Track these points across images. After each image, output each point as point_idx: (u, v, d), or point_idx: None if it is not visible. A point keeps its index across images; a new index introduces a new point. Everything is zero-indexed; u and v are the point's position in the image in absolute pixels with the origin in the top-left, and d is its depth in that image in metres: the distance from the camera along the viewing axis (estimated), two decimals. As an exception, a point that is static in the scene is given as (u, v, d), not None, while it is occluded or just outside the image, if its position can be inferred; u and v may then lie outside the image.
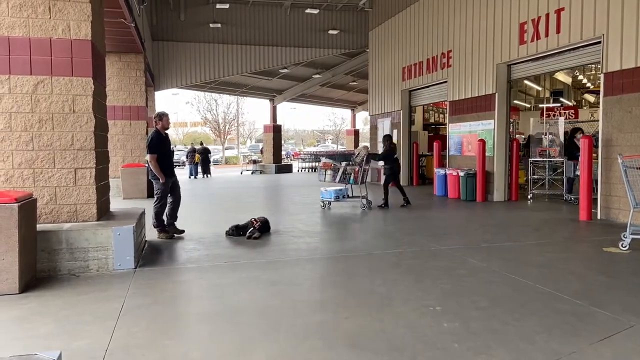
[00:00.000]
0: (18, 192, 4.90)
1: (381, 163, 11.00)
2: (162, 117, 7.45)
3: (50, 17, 5.52)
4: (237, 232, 7.41)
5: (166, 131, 7.53)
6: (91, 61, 5.68)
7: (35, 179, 5.54)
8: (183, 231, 7.55)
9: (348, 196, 10.95)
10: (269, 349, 3.36)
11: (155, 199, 7.36)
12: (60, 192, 5.63)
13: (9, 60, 5.42)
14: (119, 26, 10.75)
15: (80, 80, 5.64)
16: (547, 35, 9.98)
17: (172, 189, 7.51)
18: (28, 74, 5.48)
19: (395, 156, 10.88)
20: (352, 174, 10.26)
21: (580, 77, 21.14)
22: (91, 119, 5.69)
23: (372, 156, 10.84)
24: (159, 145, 7.26)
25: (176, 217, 7.58)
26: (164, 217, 7.45)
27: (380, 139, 17.73)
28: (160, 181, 7.27)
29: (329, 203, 10.72)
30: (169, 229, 7.42)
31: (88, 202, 5.72)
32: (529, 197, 11.35)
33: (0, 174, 5.43)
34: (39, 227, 5.24)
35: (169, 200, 7.49)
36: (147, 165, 7.91)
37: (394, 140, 16.35)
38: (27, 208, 4.84)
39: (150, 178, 7.59)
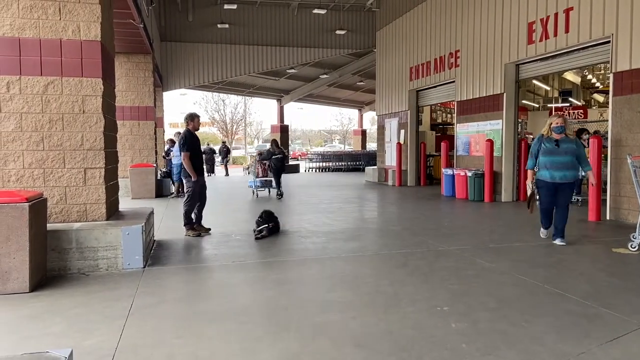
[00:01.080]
0: (29, 192, 4.94)
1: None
2: (194, 118, 7.64)
3: (60, 19, 5.57)
4: (268, 230, 7.41)
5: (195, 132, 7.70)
6: (101, 62, 5.73)
7: (46, 178, 5.59)
8: (209, 229, 7.68)
9: (258, 187, 13.78)
10: (276, 349, 3.38)
11: (186, 197, 7.56)
12: (70, 192, 5.68)
13: (20, 61, 5.48)
14: (127, 27, 10.82)
15: (90, 80, 5.68)
16: (555, 34, 9.93)
17: (203, 190, 7.71)
18: (38, 75, 5.53)
19: (277, 156, 13.34)
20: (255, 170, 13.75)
21: (590, 76, 20.99)
22: (100, 119, 5.74)
23: (259, 156, 13.92)
24: (191, 144, 7.43)
25: (201, 216, 7.71)
26: (193, 215, 7.60)
27: (387, 139, 17.73)
28: (192, 179, 7.42)
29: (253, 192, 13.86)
30: (197, 227, 7.54)
31: (97, 201, 5.77)
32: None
33: (11, 173, 5.49)
34: (49, 226, 5.29)
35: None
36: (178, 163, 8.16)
37: (401, 140, 16.37)
38: (38, 208, 4.88)
39: (182, 176, 7.78)
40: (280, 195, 13.12)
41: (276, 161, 13.33)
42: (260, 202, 12.37)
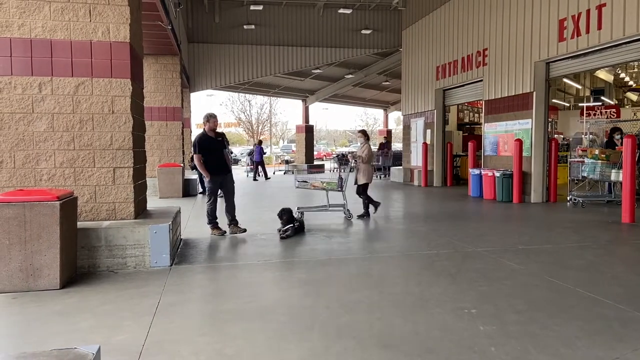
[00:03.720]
0: (60, 191, 5.05)
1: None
2: (210, 118, 7.71)
3: (90, 20, 5.68)
4: (293, 230, 7.47)
5: (216, 130, 7.80)
6: (129, 63, 5.81)
7: (76, 177, 5.70)
8: (245, 230, 7.70)
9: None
10: (301, 348, 3.36)
11: (207, 197, 7.71)
12: (100, 191, 5.78)
13: (52, 62, 5.60)
14: (156, 29, 10.98)
15: (119, 81, 5.77)
16: (587, 32, 9.68)
17: (224, 186, 7.77)
18: (69, 76, 5.64)
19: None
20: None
21: (623, 74, 20.43)
22: (129, 120, 5.82)
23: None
24: (203, 146, 7.56)
25: (233, 217, 7.77)
26: (217, 214, 7.70)
27: (413, 139, 17.58)
28: (206, 179, 7.60)
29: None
30: (232, 228, 7.68)
31: (126, 200, 5.86)
32: (568, 198, 11.02)
33: (43, 172, 5.61)
34: (79, 224, 5.40)
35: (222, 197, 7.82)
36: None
37: (427, 140, 16.22)
38: (68, 206, 4.98)
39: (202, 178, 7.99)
40: (254, 179, 20.34)
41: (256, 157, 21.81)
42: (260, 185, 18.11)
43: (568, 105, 21.71)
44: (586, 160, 10.19)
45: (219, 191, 7.77)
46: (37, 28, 5.54)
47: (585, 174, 10.23)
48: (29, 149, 5.56)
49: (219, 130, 7.98)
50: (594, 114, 16.31)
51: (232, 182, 7.87)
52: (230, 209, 7.74)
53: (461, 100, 15.89)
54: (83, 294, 4.65)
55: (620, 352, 3.23)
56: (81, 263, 5.33)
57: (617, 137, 10.90)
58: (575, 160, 10.72)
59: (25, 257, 4.67)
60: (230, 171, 7.84)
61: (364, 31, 20.19)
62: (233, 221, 7.73)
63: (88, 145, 5.71)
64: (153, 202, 8.86)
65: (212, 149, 7.62)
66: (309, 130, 29.29)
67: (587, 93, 20.81)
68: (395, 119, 53.96)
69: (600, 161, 9.89)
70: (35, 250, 4.68)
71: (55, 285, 4.73)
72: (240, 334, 3.64)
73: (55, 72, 5.60)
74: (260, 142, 22.55)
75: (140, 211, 6.29)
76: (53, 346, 3.12)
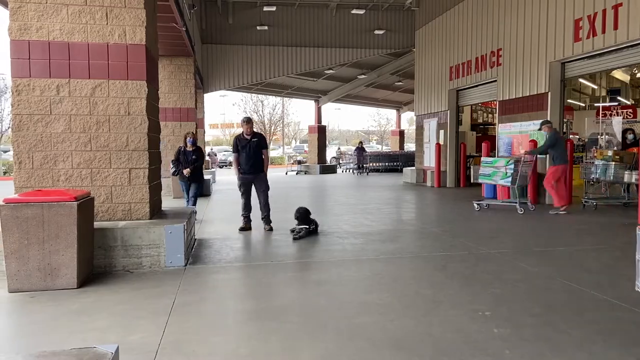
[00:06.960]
0: (77, 191, 5.12)
1: None
2: (242, 123, 8.28)
3: (107, 23, 5.75)
4: (306, 231, 7.54)
5: (253, 131, 8.21)
6: (145, 65, 5.87)
7: (93, 178, 5.78)
8: (271, 229, 8.05)
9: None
10: (315, 349, 3.38)
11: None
12: (116, 191, 5.85)
13: (69, 64, 5.67)
14: (170, 30, 11.06)
15: (135, 83, 5.84)
16: (603, 32, 9.57)
17: (255, 186, 8.20)
18: (86, 78, 5.72)
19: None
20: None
21: (639, 74, 20.13)
22: (145, 121, 5.89)
23: None
24: (237, 146, 8.07)
25: (265, 215, 8.16)
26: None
27: (426, 139, 17.51)
28: (236, 176, 8.17)
29: None
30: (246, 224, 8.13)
31: (141, 201, 5.92)
32: (583, 200, 10.89)
33: (60, 173, 5.69)
34: (96, 224, 5.47)
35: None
36: None
37: (440, 140, 16.14)
38: (85, 206, 5.05)
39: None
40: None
41: None
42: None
43: (584, 105, 21.46)
44: (596, 162, 10.07)
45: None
46: (54, 31, 5.62)
47: (597, 176, 10.10)
48: (47, 150, 5.65)
49: (230, 130, 8.20)
50: (610, 114, 16.10)
51: (263, 182, 8.15)
52: (262, 207, 8.12)
53: (475, 100, 15.80)
54: (99, 293, 4.71)
55: (637, 356, 3.19)
56: (97, 263, 5.40)
57: (630, 137, 10.75)
58: (586, 162, 10.59)
59: (43, 256, 4.75)
60: (260, 171, 8.12)
61: (376, 31, 20.15)
62: (264, 219, 8.14)
63: (105, 147, 5.79)
64: (167, 202, 8.94)
65: (241, 149, 8.03)
66: (321, 131, 29.27)
67: (603, 93, 20.57)
68: (408, 119, 53.79)
69: (613, 162, 9.77)
70: (53, 249, 4.76)
71: (72, 285, 4.80)
72: (254, 334, 3.67)
73: (72, 74, 5.68)
74: (360, 142, 28.56)
75: (155, 211, 6.35)
76: (70, 345, 3.17)
